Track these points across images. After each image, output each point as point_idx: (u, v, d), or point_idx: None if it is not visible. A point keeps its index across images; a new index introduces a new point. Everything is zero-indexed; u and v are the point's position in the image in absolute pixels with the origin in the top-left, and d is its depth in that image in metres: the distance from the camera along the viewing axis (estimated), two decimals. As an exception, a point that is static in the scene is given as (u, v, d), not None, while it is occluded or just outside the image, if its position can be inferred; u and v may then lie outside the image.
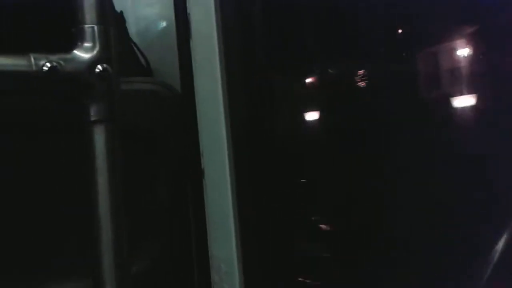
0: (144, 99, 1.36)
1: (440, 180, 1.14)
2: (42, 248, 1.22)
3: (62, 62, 0.99)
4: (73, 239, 1.22)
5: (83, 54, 1.03)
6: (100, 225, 1.05)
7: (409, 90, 1.18)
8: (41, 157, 1.20)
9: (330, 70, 1.32)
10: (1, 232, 1.16)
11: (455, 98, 1.14)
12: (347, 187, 1.26)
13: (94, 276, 1.06)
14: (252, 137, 1.30)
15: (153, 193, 1.39)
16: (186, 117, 1.36)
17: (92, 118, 1.05)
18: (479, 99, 1.12)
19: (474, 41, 1.12)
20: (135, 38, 1.68)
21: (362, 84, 1.23)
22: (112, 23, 1.09)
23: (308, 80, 1.34)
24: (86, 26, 1.04)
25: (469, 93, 1.14)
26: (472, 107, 1.12)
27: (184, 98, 1.37)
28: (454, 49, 1.14)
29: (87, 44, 1.04)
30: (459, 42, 1.14)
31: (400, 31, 1.21)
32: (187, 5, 1.33)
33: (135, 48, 1.63)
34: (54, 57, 0.99)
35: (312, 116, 1.33)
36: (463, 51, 1.14)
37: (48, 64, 0.97)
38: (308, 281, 1.32)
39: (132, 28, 1.72)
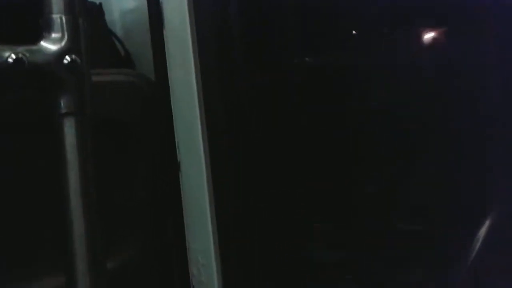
0: (118, 90, 1.34)
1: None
2: (20, 245, 1.20)
3: (28, 54, 0.96)
4: (49, 235, 1.20)
5: (50, 45, 1.00)
6: (72, 220, 1.03)
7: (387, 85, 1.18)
8: (13, 153, 1.17)
9: (303, 61, 1.32)
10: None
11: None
12: (320, 178, 1.25)
13: (67, 272, 1.04)
14: (228, 128, 1.29)
15: (130, 186, 1.37)
16: (161, 108, 1.34)
17: (62, 111, 1.02)
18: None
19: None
20: (117, 30, 1.66)
21: (337, 80, 1.23)
22: (82, 13, 1.06)
23: (282, 71, 1.33)
24: (54, 16, 1.01)
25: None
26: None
27: (159, 88, 1.35)
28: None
29: (55, 35, 1.01)
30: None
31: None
32: (160, -6, 1.31)
33: (115, 40, 1.61)
34: (20, 49, 0.96)
35: (285, 108, 1.32)
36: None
37: (14, 56, 0.94)
38: (285, 272, 1.31)
39: (115, 19, 1.71)
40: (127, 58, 1.65)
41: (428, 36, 1.14)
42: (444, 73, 1.12)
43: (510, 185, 1.07)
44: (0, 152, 1.16)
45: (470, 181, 1.10)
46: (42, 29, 1.01)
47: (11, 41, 0.97)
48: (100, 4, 1.58)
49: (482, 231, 1.08)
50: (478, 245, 1.09)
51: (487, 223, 1.08)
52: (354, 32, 1.20)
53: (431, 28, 1.13)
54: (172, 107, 1.31)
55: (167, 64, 1.30)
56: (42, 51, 0.99)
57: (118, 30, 1.70)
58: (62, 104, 1.03)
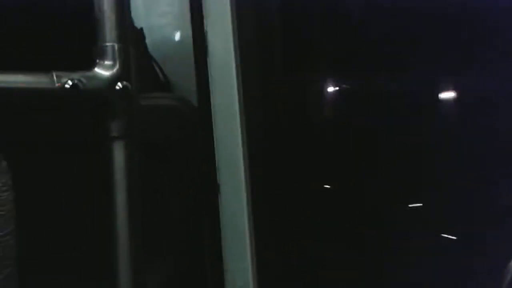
0: (162, 114, 1.37)
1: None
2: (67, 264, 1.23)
3: (83, 80, 1.00)
4: (94, 254, 1.23)
5: (103, 71, 1.04)
6: (118, 241, 1.06)
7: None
8: (64, 174, 1.21)
9: (341, 80, 1.34)
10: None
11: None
12: (360, 202, 1.28)
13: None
14: (269, 152, 1.32)
15: (169, 207, 1.40)
16: (202, 132, 1.37)
17: (112, 134, 1.06)
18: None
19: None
20: (157, 55, 1.69)
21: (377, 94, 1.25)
22: (132, 40, 1.11)
23: (324, 92, 1.36)
24: (107, 44, 1.05)
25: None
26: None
27: (201, 113, 1.38)
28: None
29: (107, 62, 1.05)
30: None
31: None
32: (204, 22, 1.35)
33: (153, 63, 1.65)
34: (75, 75, 1.00)
35: (327, 126, 1.34)
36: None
37: (70, 82, 0.99)
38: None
39: (151, 43, 1.74)
40: (166, 83, 1.68)
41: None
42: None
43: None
44: (51, 170, 1.20)
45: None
46: (95, 56, 1.05)
47: (67, 67, 1.02)
48: (141, 28, 1.61)
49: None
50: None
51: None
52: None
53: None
54: (214, 130, 1.34)
55: (210, 90, 1.34)
56: (96, 77, 1.03)
57: (157, 55, 1.73)
58: (112, 128, 1.07)
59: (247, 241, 1.30)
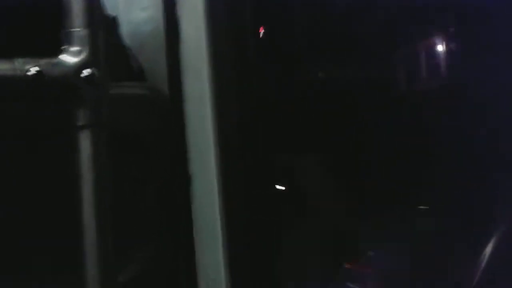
0: (133, 103, 1.35)
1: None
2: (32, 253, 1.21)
3: (48, 67, 0.97)
4: (59, 245, 1.21)
5: (70, 58, 1.02)
6: (85, 232, 1.04)
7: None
8: (28, 163, 1.18)
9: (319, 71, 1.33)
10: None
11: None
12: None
13: (79, 282, 1.05)
14: (241, 143, 1.30)
15: (141, 199, 1.37)
16: (174, 121, 1.35)
17: (79, 123, 1.04)
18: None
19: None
20: (129, 43, 1.66)
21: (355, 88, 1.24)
22: (102, 27, 1.08)
23: (299, 81, 1.35)
24: (74, 30, 1.02)
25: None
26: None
27: (173, 102, 1.36)
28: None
29: (74, 48, 1.02)
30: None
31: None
32: (177, 8, 1.32)
33: (127, 53, 1.62)
34: (40, 62, 0.97)
35: (301, 115, 1.33)
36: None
37: (33, 69, 0.96)
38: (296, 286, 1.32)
39: (124, 31, 1.71)
40: (139, 72, 1.65)
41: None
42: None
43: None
44: (16, 159, 1.17)
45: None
46: (62, 42, 1.02)
47: (33, 53, 0.99)
48: (115, 17, 1.59)
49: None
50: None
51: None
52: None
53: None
54: (186, 120, 1.32)
55: (182, 78, 1.31)
56: (62, 64, 1.01)
57: (129, 42, 1.70)
58: (79, 116, 1.04)
59: (219, 234, 1.28)
